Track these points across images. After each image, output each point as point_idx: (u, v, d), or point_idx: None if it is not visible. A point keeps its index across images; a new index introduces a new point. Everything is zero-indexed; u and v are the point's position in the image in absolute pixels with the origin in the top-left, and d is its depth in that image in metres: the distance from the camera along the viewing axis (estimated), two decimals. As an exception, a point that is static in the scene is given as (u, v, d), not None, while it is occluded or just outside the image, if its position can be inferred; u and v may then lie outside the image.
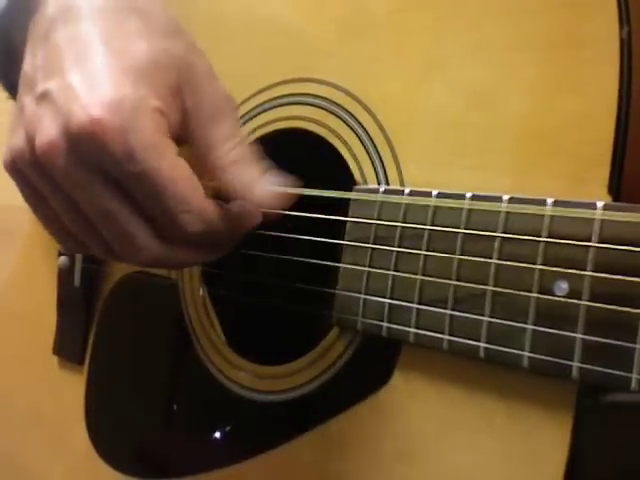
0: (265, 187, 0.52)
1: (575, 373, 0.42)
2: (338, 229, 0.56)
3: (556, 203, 0.44)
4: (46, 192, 0.50)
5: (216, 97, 0.52)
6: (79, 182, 0.48)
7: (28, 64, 0.51)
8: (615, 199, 0.43)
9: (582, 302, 0.42)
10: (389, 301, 0.51)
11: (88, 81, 0.46)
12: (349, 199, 0.55)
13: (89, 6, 0.50)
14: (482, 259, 0.46)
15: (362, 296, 0.53)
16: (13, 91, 0.55)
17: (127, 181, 0.47)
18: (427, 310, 0.49)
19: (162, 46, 0.49)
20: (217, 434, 0.65)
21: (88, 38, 0.48)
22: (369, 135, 0.56)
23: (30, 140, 0.48)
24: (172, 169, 0.47)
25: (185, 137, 0.51)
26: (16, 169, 0.51)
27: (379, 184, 0.55)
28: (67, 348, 0.81)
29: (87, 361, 0.79)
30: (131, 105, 0.46)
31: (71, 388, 0.79)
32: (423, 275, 0.49)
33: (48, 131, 0.47)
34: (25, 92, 0.50)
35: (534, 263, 0.44)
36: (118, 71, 0.47)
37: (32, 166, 0.49)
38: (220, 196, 0.52)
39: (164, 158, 0.47)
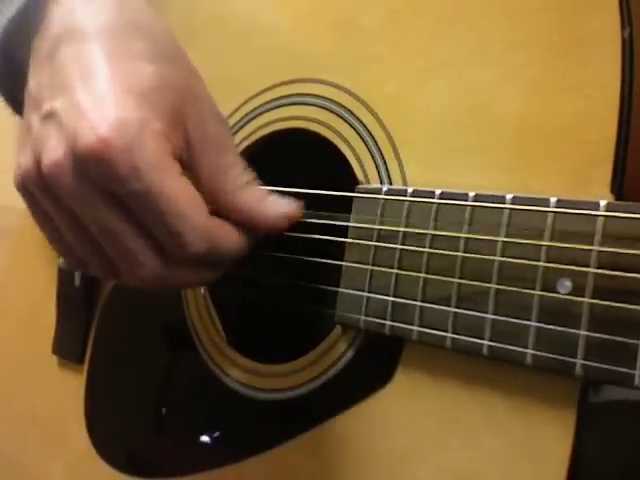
0: (276, 207, 0.54)
1: (578, 370, 0.42)
2: (341, 228, 0.56)
3: (559, 202, 0.44)
4: (52, 211, 0.51)
5: (219, 125, 0.52)
6: (84, 201, 0.48)
7: (33, 83, 0.51)
8: (618, 198, 0.43)
9: (585, 300, 0.42)
10: (392, 299, 0.51)
11: (93, 100, 0.47)
12: (352, 198, 0.55)
13: (94, 26, 0.50)
14: (486, 257, 0.47)
15: (365, 294, 0.53)
16: (19, 108, 0.55)
17: (131, 199, 0.47)
18: (430, 308, 0.49)
19: (165, 70, 0.50)
20: (218, 433, 0.65)
21: (93, 57, 0.48)
22: (371, 135, 0.56)
23: (37, 160, 0.49)
24: (176, 187, 0.48)
25: (190, 164, 0.51)
26: (24, 188, 0.51)
27: (382, 184, 0.55)
28: (67, 347, 0.81)
29: (87, 360, 0.79)
30: (136, 125, 0.46)
31: (71, 387, 0.79)
32: (426, 273, 0.50)
33: (54, 151, 0.47)
34: (31, 111, 0.51)
35: (537, 261, 0.44)
36: (122, 92, 0.47)
37: (39, 185, 0.49)
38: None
39: (168, 177, 0.47)
